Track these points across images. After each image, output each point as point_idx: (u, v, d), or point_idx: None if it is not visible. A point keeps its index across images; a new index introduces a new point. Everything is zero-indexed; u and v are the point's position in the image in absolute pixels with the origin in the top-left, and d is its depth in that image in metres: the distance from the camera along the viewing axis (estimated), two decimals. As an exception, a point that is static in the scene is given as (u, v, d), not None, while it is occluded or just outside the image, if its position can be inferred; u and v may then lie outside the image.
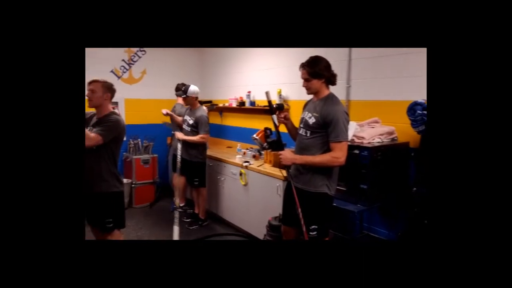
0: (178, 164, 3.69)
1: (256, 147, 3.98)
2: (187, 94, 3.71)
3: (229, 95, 4.74)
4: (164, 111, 4.17)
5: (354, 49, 3.05)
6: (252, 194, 3.52)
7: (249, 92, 4.32)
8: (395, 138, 2.66)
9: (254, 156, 3.87)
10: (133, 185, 4.57)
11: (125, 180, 4.39)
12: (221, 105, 4.86)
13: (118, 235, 2.41)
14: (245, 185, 3.58)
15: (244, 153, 4.03)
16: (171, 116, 4.18)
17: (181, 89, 3.99)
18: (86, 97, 2.25)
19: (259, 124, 4.14)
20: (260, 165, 3.48)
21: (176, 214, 3.43)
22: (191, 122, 3.75)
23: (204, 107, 4.16)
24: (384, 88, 2.84)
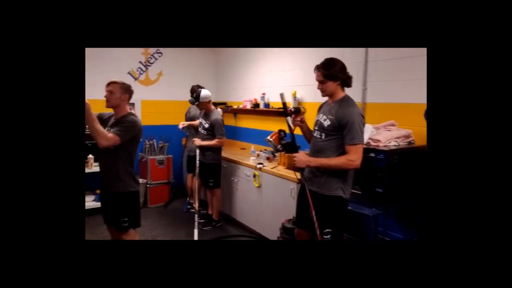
0: (197, 169, 3.73)
1: (270, 149, 3.98)
2: (199, 100, 3.74)
3: (244, 97, 4.76)
4: (181, 125, 4.24)
5: (370, 51, 3.02)
6: (265, 196, 3.52)
7: (263, 94, 4.33)
8: (412, 142, 2.61)
9: (268, 158, 3.87)
10: (148, 185, 4.63)
11: (140, 180, 4.46)
12: (235, 106, 4.88)
13: (134, 234, 2.45)
14: (259, 187, 3.58)
15: (258, 155, 4.04)
16: (189, 124, 4.23)
17: (194, 92, 4.02)
18: (104, 98, 2.31)
19: (274, 126, 4.14)
20: (274, 167, 3.47)
21: (196, 218, 3.47)
22: (206, 125, 3.78)
23: (219, 109, 4.19)
24: (400, 91, 2.79)
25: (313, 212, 2.07)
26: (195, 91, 4.08)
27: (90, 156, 4.22)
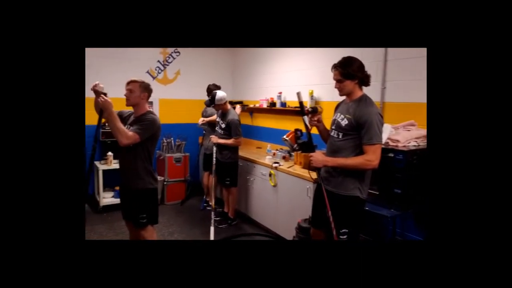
0: (214, 167, 3.76)
1: (286, 148, 3.97)
2: (215, 103, 3.76)
3: (260, 96, 4.76)
4: (200, 121, 4.30)
5: (390, 50, 2.96)
6: (281, 195, 3.52)
7: (280, 93, 4.32)
8: (432, 142, 2.55)
9: (284, 157, 3.86)
10: (165, 183, 4.70)
11: (158, 178, 4.52)
12: (251, 105, 4.89)
13: (151, 231, 2.49)
14: (275, 186, 3.58)
15: (274, 154, 4.03)
16: (208, 121, 4.27)
17: (211, 91, 4.05)
18: (124, 96, 2.36)
19: (290, 125, 4.13)
20: (290, 167, 3.46)
21: (212, 216, 3.50)
22: (223, 126, 3.81)
23: (238, 107, 4.21)
24: (420, 90, 2.73)
25: (330, 212, 2.06)
26: (211, 91, 4.11)
27: (110, 153, 4.32)
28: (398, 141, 2.41)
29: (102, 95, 2.11)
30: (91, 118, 4.65)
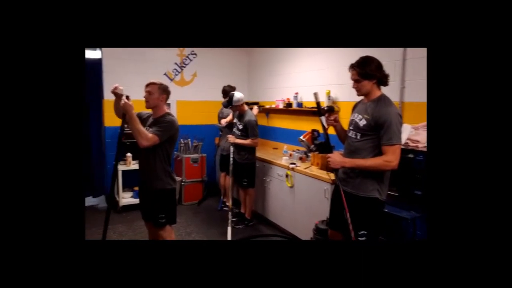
0: (231, 167, 3.79)
1: (303, 149, 3.94)
2: (232, 104, 3.77)
3: (276, 97, 4.76)
4: (223, 122, 4.33)
5: (409, 49, 2.90)
6: (298, 196, 3.50)
7: (296, 93, 4.30)
8: (454, 142, 2.48)
9: (300, 158, 3.84)
10: (182, 183, 4.76)
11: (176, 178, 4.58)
12: (267, 106, 4.89)
13: (170, 231, 2.52)
14: (291, 187, 3.57)
15: (291, 155, 4.02)
16: (230, 120, 4.30)
17: (226, 93, 4.06)
18: (143, 98, 2.40)
19: (307, 125, 4.10)
20: (307, 168, 3.44)
21: (229, 216, 3.52)
22: (240, 127, 3.82)
23: (255, 108, 4.22)
24: (442, 89, 2.66)
25: (348, 214, 2.03)
26: (227, 92, 4.13)
27: (129, 154, 4.41)
28: (418, 141, 2.36)
29: (124, 98, 2.16)
30: (110, 120, 4.74)
